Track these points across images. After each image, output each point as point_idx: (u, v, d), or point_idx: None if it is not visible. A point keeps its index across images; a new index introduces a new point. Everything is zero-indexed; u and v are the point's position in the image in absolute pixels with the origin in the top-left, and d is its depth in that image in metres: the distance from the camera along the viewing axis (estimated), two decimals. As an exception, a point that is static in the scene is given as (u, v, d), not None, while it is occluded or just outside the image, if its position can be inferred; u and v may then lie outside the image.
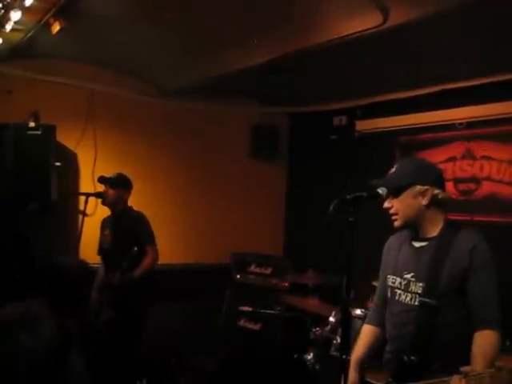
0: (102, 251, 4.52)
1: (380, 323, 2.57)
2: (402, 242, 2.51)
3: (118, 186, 4.43)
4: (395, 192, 2.35)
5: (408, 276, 2.38)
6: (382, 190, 2.31)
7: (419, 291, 2.32)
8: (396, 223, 2.39)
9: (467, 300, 2.24)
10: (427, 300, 2.27)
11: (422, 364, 2.22)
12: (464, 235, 2.31)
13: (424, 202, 2.33)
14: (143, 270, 4.27)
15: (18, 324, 1.25)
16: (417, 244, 2.42)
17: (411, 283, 2.36)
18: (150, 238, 4.39)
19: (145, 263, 4.29)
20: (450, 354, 2.23)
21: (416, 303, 2.31)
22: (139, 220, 4.46)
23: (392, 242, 2.60)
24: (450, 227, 2.36)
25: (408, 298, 2.36)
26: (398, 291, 2.41)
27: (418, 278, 2.34)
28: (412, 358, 2.21)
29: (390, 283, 2.47)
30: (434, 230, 2.37)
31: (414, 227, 2.42)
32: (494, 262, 2.26)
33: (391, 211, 2.37)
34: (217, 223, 6.00)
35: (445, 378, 1.97)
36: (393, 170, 2.42)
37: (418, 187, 2.33)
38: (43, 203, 4.57)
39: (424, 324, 2.27)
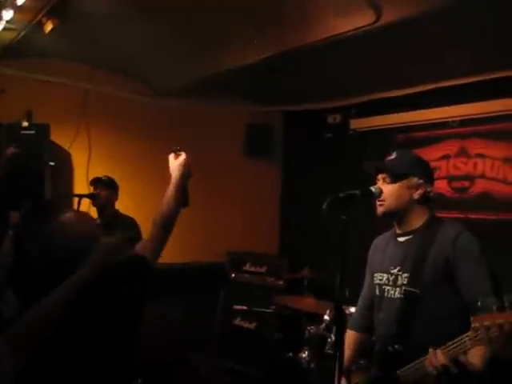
0: None
1: (364, 328, 2.59)
2: (387, 242, 2.51)
3: (110, 187, 4.44)
4: (392, 177, 2.35)
5: (395, 271, 2.38)
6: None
7: (405, 282, 2.32)
8: (380, 209, 2.37)
9: (458, 289, 2.23)
10: (411, 289, 2.27)
11: (409, 353, 2.21)
12: (447, 226, 2.32)
13: (416, 196, 2.35)
14: None
15: None
16: (401, 238, 2.42)
17: (398, 277, 2.36)
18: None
19: None
20: (440, 342, 2.22)
21: (401, 296, 2.32)
22: (133, 226, 4.43)
23: (377, 244, 2.61)
24: (434, 221, 2.37)
25: (396, 293, 2.36)
26: (387, 287, 2.41)
27: (403, 270, 2.35)
28: (396, 346, 2.22)
29: (377, 281, 2.47)
30: (418, 223, 2.38)
31: (398, 218, 2.41)
32: (480, 249, 2.24)
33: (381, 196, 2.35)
34: (211, 222, 5.99)
35: (421, 359, 2.01)
36: (392, 156, 2.42)
37: (415, 180, 2.35)
38: (37, 203, 4.55)
39: (407, 312, 2.27)
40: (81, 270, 1.78)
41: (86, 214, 2.22)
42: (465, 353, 1.95)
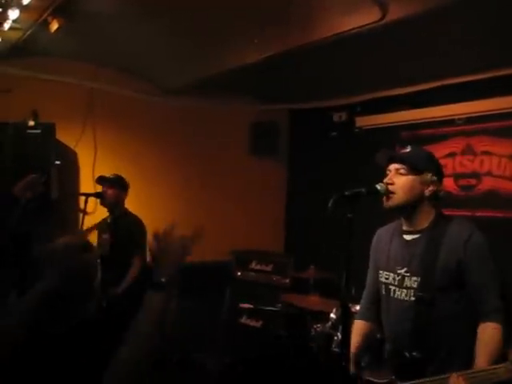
0: (101, 255, 4.45)
1: (371, 318, 2.56)
2: (391, 235, 2.47)
3: (116, 185, 4.43)
4: (409, 170, 2.31)
5: (402, 271, 2.35)
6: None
7: (414, 286, 2.30)
8: (389, 202, 2.31)
9: (467, 292, 2.23)
10: (423, 294, 2.25)
11: (425, 358, 2.21)
12: (456, 226, 2.29)
13: (427, 192, 2.32)
14: (128, 284, 4.21)
15: None
16: (408, 237, 2.39)
17: (406, 278, 2.33)
18: (140, 249, 4.33)
19: (130, 276, 4.24)
20: (453, 345, 2.23)
21: (412, 298, 2.30)
22: (137, 226, 4.43)
23: (381, 235, 2.56)
24: (442, 219, 2.35)
25: (403, 294, 2.33)
26: (393, 287, 2.39)
27: (412, 273, 2.32)
28: (413, 353, 2.21)
29: (383, 279, 2.45)
30: (425, 222, 2.34)
31: (406, 214, 2.38)
32: (489, 249, 2.24)
33: (391, 187, 2.30)
34: (217, 220, 5.99)
35: (442, 376, 1.98)
36: (407, 150, 2.39)
37: (430, 176, 2.32)
38: (43, 202, 4.56)
39: (422, 318, 2.25)
40: (43, 282, 1.75)
41: (83, 239, 2.19)
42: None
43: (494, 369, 1.89)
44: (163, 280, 1.61)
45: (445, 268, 2.23)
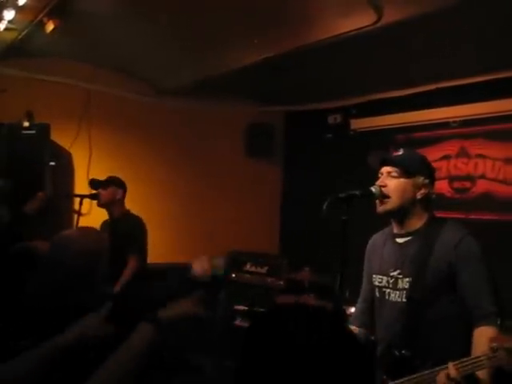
0: None
1: (366, 323, 2.56)
2: (384, 240, 2.48)
3: (108, 186, 4.41)
4: (402, 173, 2.31)
5: (394, 273, 2.36)
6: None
7: (406, 286, 2.30)
8: (383, 206, 2.32)
9: (460, 295, 2.23)
10: (415, 295, 2.26)
11: (416, 358, 2.21)
12: (449, 229, 2.30)
13: (419, 195, 2.32)
14: (123, 283, 4.19)
15: None
16: (400, 240, 2.39)
17: (398, 280, 2.34)
18: (137, 249, 4.30)
19: (125, 275, 4.22)
20: (446, 346, 2.22)
21: (404, 300, 2.30)
22: (137, 227, 4.42)
23: (375, 240, 2.56)
24: (434, 221, 2.36)
25: (397, 296, 2.34)
26: (387, 290, 2.39)
27: (404, 274, 2.32)
28: (403, 352, 2.21)
29: (376, 283, 2.44)
30: (417, 225, 2.35)
31: (398, 217, 2.38)
32: (482, 253, 2.24)
33: (384, 190, 2.31)
34: (212, 222, 6.00)
35: (437, 368, 1.99)
36: (399, 153, 2.40)
37: (422, 179, 2.33)
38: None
39: (413, 318, 2.26)
40: (61, 337, 1.65)
41: (92, 230, 2.19)
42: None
43: (478, 358, 1.91)
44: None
45: (436, 270, 2.24)
